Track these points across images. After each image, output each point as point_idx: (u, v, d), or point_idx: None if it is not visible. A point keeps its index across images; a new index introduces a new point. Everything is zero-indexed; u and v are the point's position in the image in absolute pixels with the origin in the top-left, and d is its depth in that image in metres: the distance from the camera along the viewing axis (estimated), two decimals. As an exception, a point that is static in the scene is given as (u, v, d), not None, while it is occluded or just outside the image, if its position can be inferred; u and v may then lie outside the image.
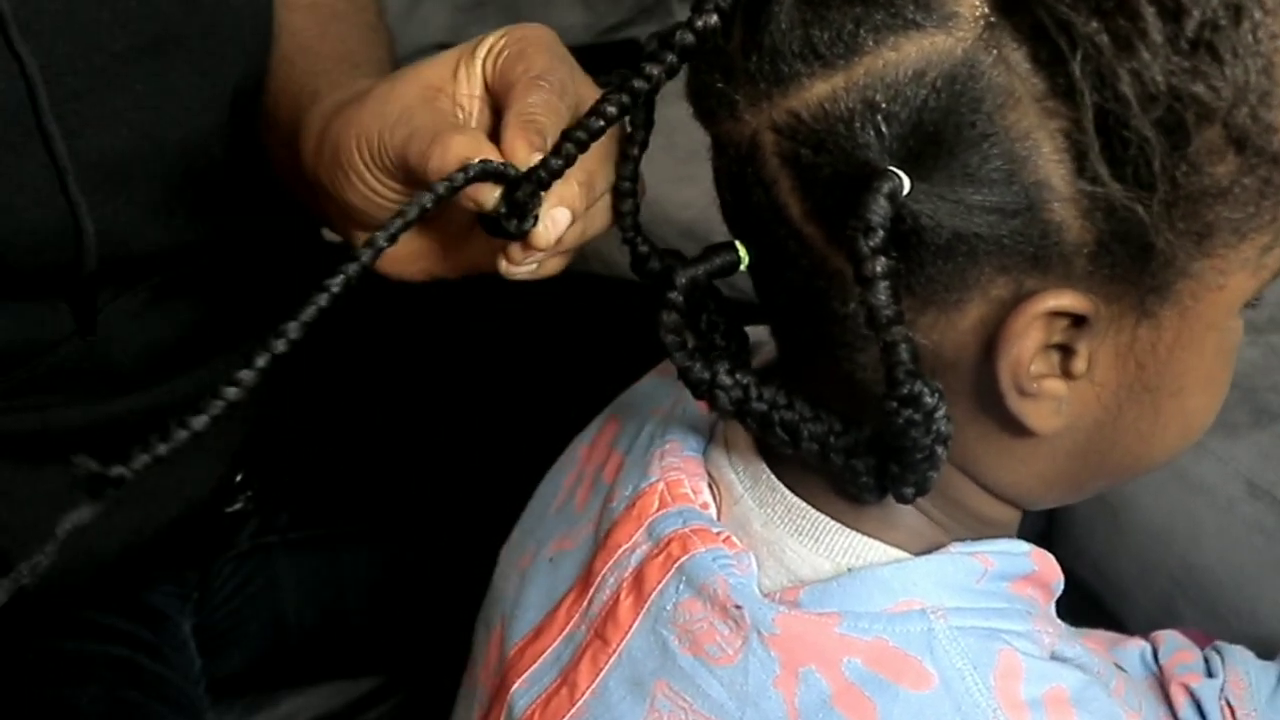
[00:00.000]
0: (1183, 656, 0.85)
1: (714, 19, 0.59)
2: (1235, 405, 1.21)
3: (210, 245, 0.90)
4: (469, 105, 0.69)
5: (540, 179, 0.62)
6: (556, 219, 0.63)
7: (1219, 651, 0.86)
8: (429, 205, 0.60)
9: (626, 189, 0.66)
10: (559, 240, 0.64)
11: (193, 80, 0.84)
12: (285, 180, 0.85)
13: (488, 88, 0.69)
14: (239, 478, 1.04)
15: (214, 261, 0.92)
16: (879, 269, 0.53)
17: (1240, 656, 0.86)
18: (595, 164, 0.64)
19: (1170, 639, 0.87)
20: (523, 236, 0.63)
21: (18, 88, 0.77)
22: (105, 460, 0.55)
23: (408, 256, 0.72)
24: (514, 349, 1.14)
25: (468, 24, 1.56)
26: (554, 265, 0.67)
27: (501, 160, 0.63)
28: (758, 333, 0.68)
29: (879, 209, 0.52)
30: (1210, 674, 0.84)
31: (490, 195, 0.63)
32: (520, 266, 0.65)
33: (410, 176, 0.66)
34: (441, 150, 0.64)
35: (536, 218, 0.63)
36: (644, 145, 0.66)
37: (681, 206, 1.32)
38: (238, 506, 1.06)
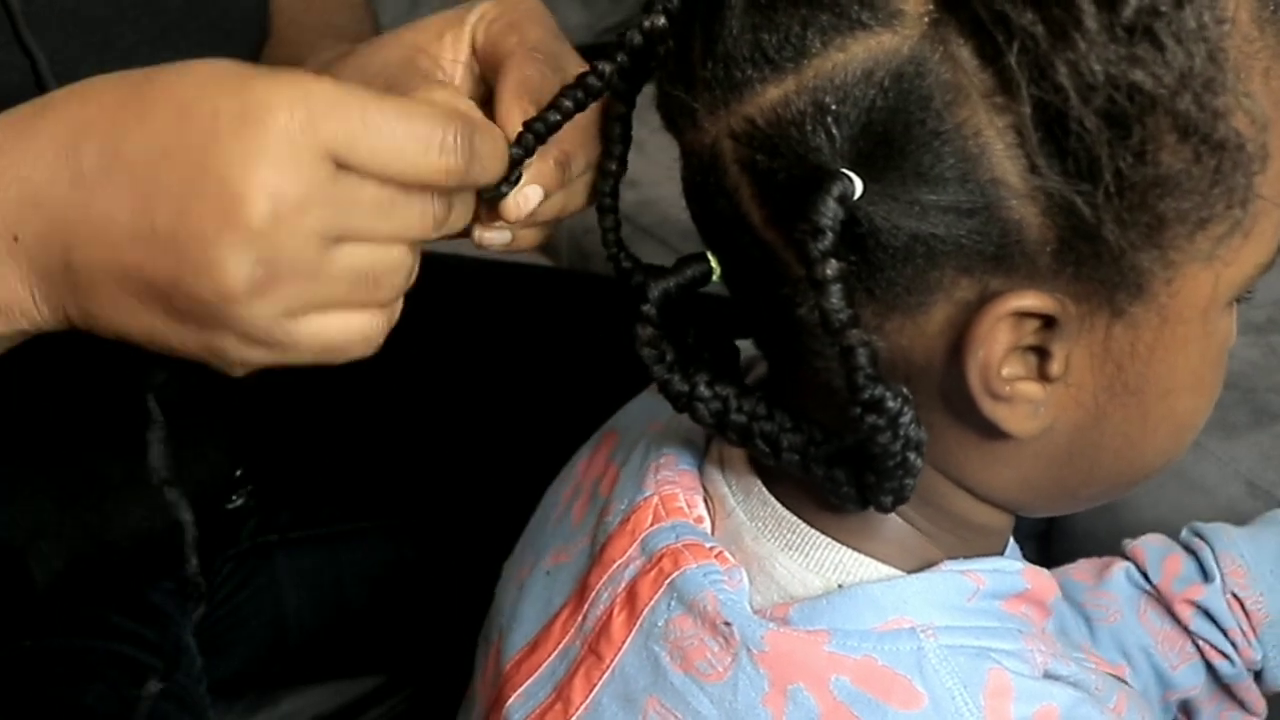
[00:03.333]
0: (1173, 568, 0.86)
1: (661, 20, 0.60)
2: (1235, 405, 1.21)
3: None
4: (451, 70, 0.69)
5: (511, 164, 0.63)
6: (528, 196, 0.64)
7: (1202, 538, 0.86)
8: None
9: (607, 205, 0.66)
10: (532, 214, 0.65)
11: None
12: None
13: (475, 54, 0.69)
14: (239, 473, 1.05)
15: None
16: (830, 272, 0.52)
17: (1225, 540, 0.86)
18: (573, 144, 0.65)
19: (1150, 551, 0.87)
20: (498, 199, 0.64)
21: (29, 85, 0.77)
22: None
23: None
24: (522, 349, 1.14)
25: (469, 23, 1.56)
26: (529, 238, 0.68)
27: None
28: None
29: (827, 211, 0.52)
30: (1206, 576, 0.85)
31: None
32: (492, 233, 0.66)
33: None
34: (425, 96, 0.64)
35: (516, 180, 0.64)
36: (622, 162, 0.66)
37: (682, 207, 1.32)
38: (238, 503, 1.06)
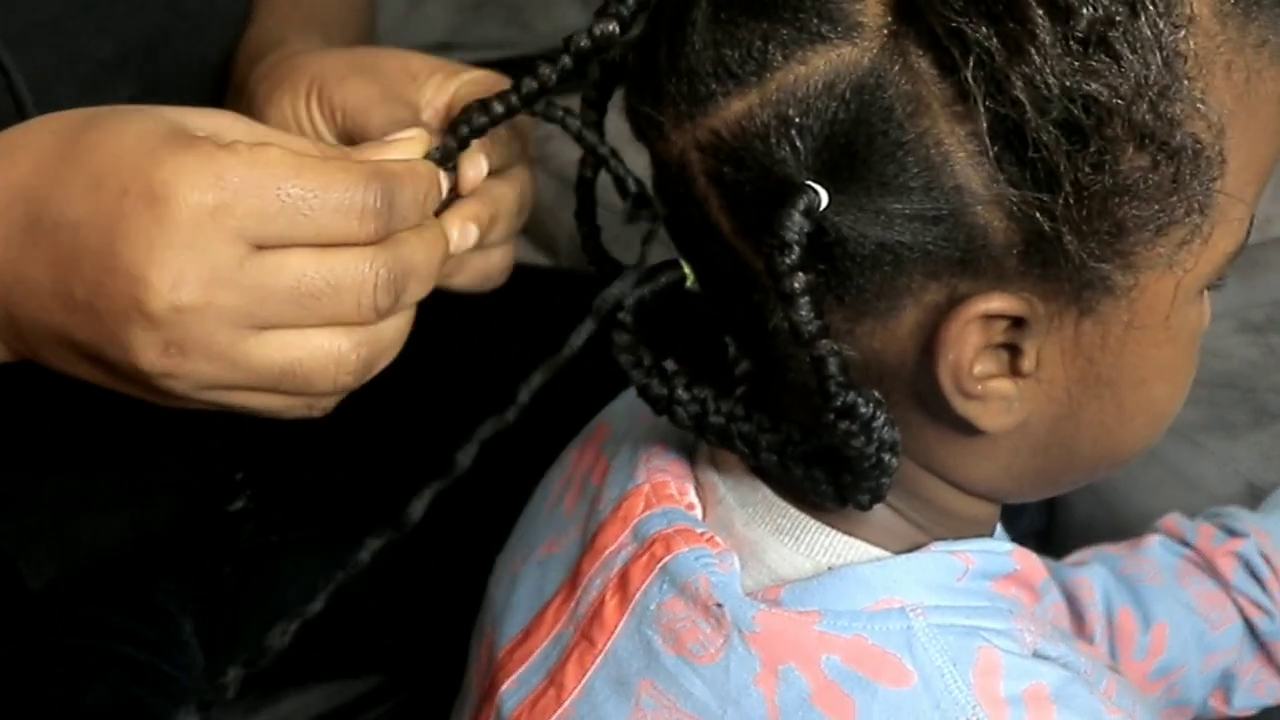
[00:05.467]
0: (1207, 532, 0.90)
1: (612, 26, 0.60)
2: (1235, 405, 1.22)
3: None
4: (426, 114, 0.71)
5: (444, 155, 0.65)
6: (465, 232, 0.67)
7: (1222, 517, 0.91)
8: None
9: (586, 214, 0.67)
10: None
11: (181, 82, 0.84)
12: None
13: (448, 109, 0.71)
14: (239, 476, 1.05)
15: None
16: (797, 285, 0.53)
17: (1243, 514, 0.91)
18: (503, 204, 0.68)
19: (1181, 524, 0.91)
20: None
21: (5, 101, 0.77)
22: None
23: None
24: (519, 348, 1.14)
25: (468, 24, 1.56)
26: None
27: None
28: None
29: (793, 224, 0.53)
30: (1238, 536, 0.90)
31: None
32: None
33: (351, 130, 0.70)
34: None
35: (453, 168, 0.66)
36: (597, 170, 0.67)
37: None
38: (238, 506, 1.06)
